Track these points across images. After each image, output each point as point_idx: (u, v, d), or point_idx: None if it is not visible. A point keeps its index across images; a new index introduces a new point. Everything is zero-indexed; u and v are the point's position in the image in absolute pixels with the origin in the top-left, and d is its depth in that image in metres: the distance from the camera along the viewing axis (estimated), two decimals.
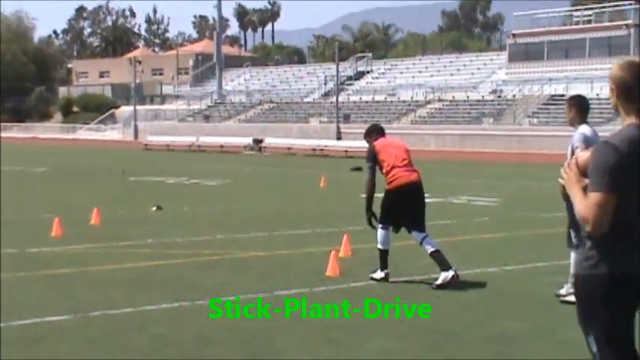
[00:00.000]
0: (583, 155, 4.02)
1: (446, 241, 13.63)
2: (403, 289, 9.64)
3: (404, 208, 9.88)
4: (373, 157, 10.05)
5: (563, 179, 4.05)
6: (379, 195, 10.14)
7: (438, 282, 9.57)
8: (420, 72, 74.94)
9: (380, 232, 10.04)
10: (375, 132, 10.42)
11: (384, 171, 10.00)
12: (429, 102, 65.75)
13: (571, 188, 3.97)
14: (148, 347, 6.96)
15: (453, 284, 9.52)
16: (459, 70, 72.42)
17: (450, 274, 9.53)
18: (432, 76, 72.14)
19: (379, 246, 10.02)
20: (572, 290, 8.51)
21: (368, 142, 10.38)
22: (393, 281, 9.96)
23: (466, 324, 7.94)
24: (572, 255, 8.83)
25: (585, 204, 3.88)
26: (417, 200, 9.93)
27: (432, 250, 9.74)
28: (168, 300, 8.76)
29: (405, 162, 10.00)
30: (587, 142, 8.31)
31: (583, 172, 3.96)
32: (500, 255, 12.31)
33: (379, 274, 9.96)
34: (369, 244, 11.52)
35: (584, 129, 8.60)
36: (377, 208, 10.19)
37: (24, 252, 11.95)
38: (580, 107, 8.85)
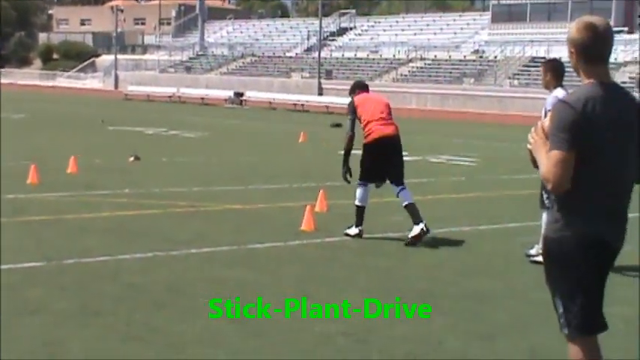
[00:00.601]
0: (548, 119, 4.03)
1: (421, 200, 13.69)
2: (376, 245, 9.71)
3: (381, 161, 9.99)
4: (353, 111, 10.21)
5: (530, 144, 4.06)
6: (357, 152, 10.18)
7: (410, 235, 9.65)
8: (402, 30, 74.59)
9: (358, 189, 10.11)
10: (357, 88, 10.55)
11: (362, 125, 10.11)
12: (411, 60, 65.56)
13: (538, 152, 3.98)
14: (119, 295, 6.99)
15: (423, 238, 9.61)
16: (441, 29, 72.14)
17: (420, 226, 9.62)
18: (414, 34, 71.83)
19: (356, 202, 10.08)
20: (541, 251, 8.64)
21: (351, 97, 10.46)
22: (367, 237, 10.02)
23: (439, 281, 8.02)
24: (544, 216, 8.92)
25: (545, 163, 3.91)
26: (393, 153, 10.06)
27: (406, 202, 9.86)
28: (142, 250, 8.78)
29: (382, 116, 10.10)
30: None
31: (548, 136, 3.97)
32: (475, 215, 12.41)
33: (354, 230, 10.03)
34: (345, 200, 11.58)
35: (559, 92, 8.63)
36: (355, 165, 10.23)
37: None
38: (555, 71, 8.88)
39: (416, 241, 9.62)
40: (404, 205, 9.89)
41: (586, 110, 3.86)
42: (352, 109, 10.23)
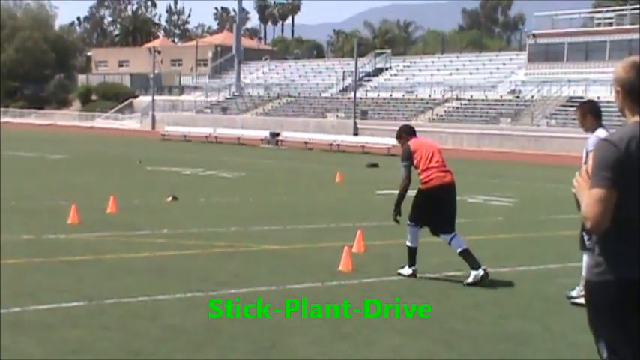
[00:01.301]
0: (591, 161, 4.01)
1: None
2: (414, 286, 9.67)
3: (435, 207, 10.08)
4: (409, 156, 10.18)
5: (574, 187, 4.04)
6: (410, 193, 10.20)
7: (469, 280, 9.71)
8: (438, 70, 74.80)
9: (410, 230, 10.18)
10: (406, 133, 10.53)
11: (419, 171, 10.14)
12: (447, 100, 65.65)
13: (581, 195, 3.96)
14: (159, 335, 7.03)
15: (483, 282, 9.65)
16: (477, 69, 72.25)
17: (480, 272, 9.68)
18: (450, 74, 71.99)
19: (408, 243, 10.17)
20: (582, 292, 8.54)
21: (400, 142, 10.49)
22: (405, 278, 10.00)
23: (477, 322, 7.97)
24: (584, 257, 8.83)
25: (586, 202, 3.88)
26: (450, 201, 10.18)
27: (461, 249, 9.88)
28: (181, 290, 8.83)
29: (439, 163, 10.17)
30: None
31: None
32: (514, 255, 12.32)
33: (407, 270, 10.12)
34: (382, 241, 11.57)
35: (600, 133, 8.56)
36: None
37: (40, 238, 12.05)
38: (592, 112, 8.83)
39: (476, 284, 9.63)
40: (458, 252, 9.91)
41: (629, 149, 3.84)
42: (408, 154, 10.19)
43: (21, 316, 7.45)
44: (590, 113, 8.85)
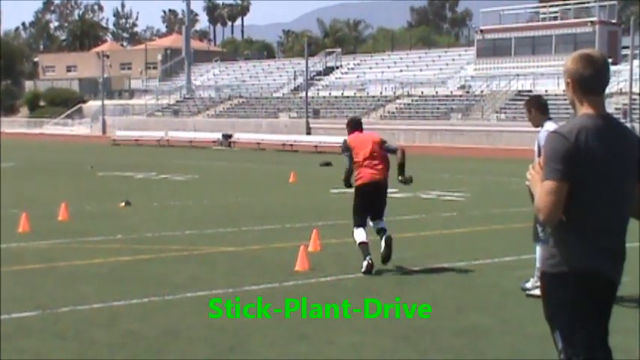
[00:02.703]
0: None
1: (414, 236, 13.75)
2: (371, 283, 9.69)
3: (367, 204, 10.61)
4: (347, 149, 10.70)
5: (528, 180, 4.07)
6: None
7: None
8: (389, 67, 75.12)
9: (356, 232, 10.43)
10: (350, 125, 11.00)
11: (354, 167, 10.64)
12: (398, 97, 65.94)
13: (535, 187, 3.99)
14: (117, 342, 6.94)
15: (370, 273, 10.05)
16: (427, 65, 72.68)
17: (365, 262, 10.09)
18: (401, 71, 72.34)
19: (358, 241, 10.36)
20: (537, 284, 8.63)
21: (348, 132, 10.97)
22: (361, 276, 10.01)
23: (435, 318, 8.00)
24: (538, 249, 8.94)
25: (538, 194, 3.91)
26: (377, 197, 10.67)
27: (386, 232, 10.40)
28: (137, 295, 8.74)
29: (368, 160, 10.55)
30: None
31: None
32: (469, 249, 12.41)
33: (364, 263, 10.16)
34: (338, 239, 11.58)
35: (550, 126, 8.61)
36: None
37: None
38: (538, 106, 8.92)
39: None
40: (382, 229, 10.43)
41: (579, 141, 3.88)
42: (345, 147, 10.72)
43: None
44: (534, 108, 8.95)
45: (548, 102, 9.47)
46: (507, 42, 64.30)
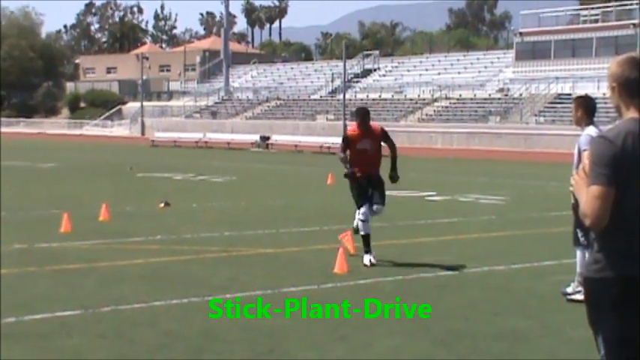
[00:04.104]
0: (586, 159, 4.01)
1: (453, 239, 13.71)
2: (409, 286, 9.68)
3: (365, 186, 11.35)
4: (344, 139, 11.50)
5: (572, 185, 4.05)
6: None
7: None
8: (427, 70, 74.90)
9: (359, 220, 11.20)
10: (356, 115, 11.48)
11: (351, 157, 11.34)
12: (435, 100, 65.74)
13: (579, 193, 3.96)
14: (157, 342, 7.01)
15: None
16: (465, 68, 72.37)
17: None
18: (439, 74, 72.10)
19: (361, 233, 11.14)
20: (578, 289, 8.57)
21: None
22: (399, 279, 10.01)
23: (474, 321, 7.98)
24: (578, 253, 8.89)
25: (584, 199, 3.89)
26: (372, 185, 11.32)
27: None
28: (177, 296, 8.82)
29: (364, 161, 11.23)
30: None
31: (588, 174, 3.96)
32: (508, 253, 12.34)
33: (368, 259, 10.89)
34: (375, 242, 11.56)
35: (591, 130, 8.50)
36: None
37: (33, 247, 12.02)
38: (587, 108, 8.77)
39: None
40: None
41: (626, 145, 3.84)
42: (344, 137, 11.52)
43: (16, 327, 7.42)
44: (582, 107, 8.78)
45: None
46: (547, 45, 63.79)
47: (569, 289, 9.01)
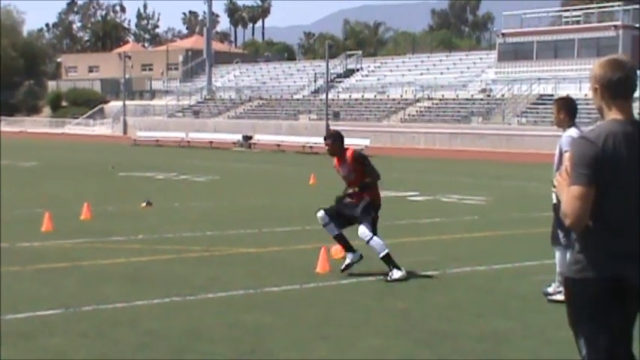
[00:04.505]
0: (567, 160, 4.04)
1: (435, 240, 13.74)
2: (392, 286, 9.70)
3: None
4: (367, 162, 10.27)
5: (555, 187, 4.07)
6: None
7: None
8: (409, 70, 75.05)
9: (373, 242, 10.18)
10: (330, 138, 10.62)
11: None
12: (418, 100, 65.87)
13: (562, 193, 3.99)
14: (139, 342, 6.99)
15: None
16: (448, 68, 72.57)
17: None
18: (421, 74, 72.24)
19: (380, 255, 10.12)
20: (559, 289, 8.62)
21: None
22: (381, 279, 10.02)
23: (456, 322, 8.00)
24: (557, 253, 8.96)
25: (565, 199, 3.91)
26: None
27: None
28: (159, 295, 8.80)
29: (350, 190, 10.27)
30: None
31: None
32: (490, 254, 12.38)
33: (398, 273, 9.96)
34: (359, 241, 11.57)
35: (573, 132, 8.52)
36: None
37: (15, 246, 11.96)
38: (569, 109, 8.78)
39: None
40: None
41: (606, 146, 3.87)
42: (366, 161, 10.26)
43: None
44: (563, 109, 8.80)
45: None
46: (529, 46, 64.05)
47: (550, 289, 9.06)
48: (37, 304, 8.27)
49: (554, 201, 8.19)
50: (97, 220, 15.09)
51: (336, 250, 11.07)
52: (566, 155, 7.99)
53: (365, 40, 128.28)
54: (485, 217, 17.52)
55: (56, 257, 11.12)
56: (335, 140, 10.40)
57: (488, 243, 13.70)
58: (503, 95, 61.46)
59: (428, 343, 7.23)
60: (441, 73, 71.19)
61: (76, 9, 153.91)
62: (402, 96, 68.05)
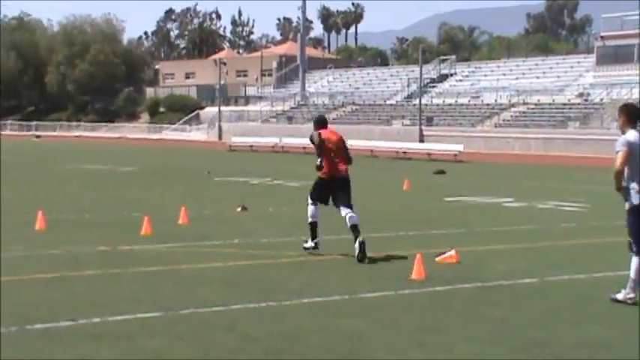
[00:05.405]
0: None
1: (532, 247, 13.53)
2: (487, 293, 9.59)
3: (328, 191, 12.47)
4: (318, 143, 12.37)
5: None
6: None
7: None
8: (504, 75, 74.08)
9: (309, 208, 12.41)
10: (317, 124, 12.82)
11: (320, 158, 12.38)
12: (513, 105, 64.94)
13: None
14: (236, 346, 7.08)
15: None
16: (544, 72, 71.33)
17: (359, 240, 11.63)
18: (516, 78, 71.23)
19: (309, 220, 12.30)
20: (629, 295, 8.87)
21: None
22: (478, 286, 9.92)
23: (554, 330, 7.86)
24: (634, 260, 8.96)
25: None
26: (341, 187, 12.43)
27: (353, 224, 11.95)
28: (255, 299, 8.89)
29: (336, 157, 12.47)
30: (629, 146, 9.02)
31: None
32: (589, 261, 12.13)
33: (310, 244, 12.20)
34: (452, 248, 11.48)
35: (630, 135, 9.07)
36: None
37: (116, 250, 12.28)
38: (628, 115, 9.26)
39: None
40: (350, 225, 11.91)
41: None
42: (317, 141, 12.42)
43: (100, 327, 7.59)
44: (622, 114, 9.29)
45: None
46: (629, 48, 62.42)
47: (620, 296, 9.09)
48: (137, 306, 8.46)
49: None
50: (194, 224, 15.36)
51: (444, 256, 11.46)
52: (618, 155, 8.84)
53: (459, 45, 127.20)
54: (584, 224, 17.16)
55: (154, 261, 11.36)
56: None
57: (588, 250, 13.41)
58: (601, 100, 60.05)
59: (524, 350, 7.13)
60: (537, 78, 70.04)
61: (173, 17, 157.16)
62: (496, 101, 67.21)
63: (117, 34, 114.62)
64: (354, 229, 11.84)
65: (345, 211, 12.14)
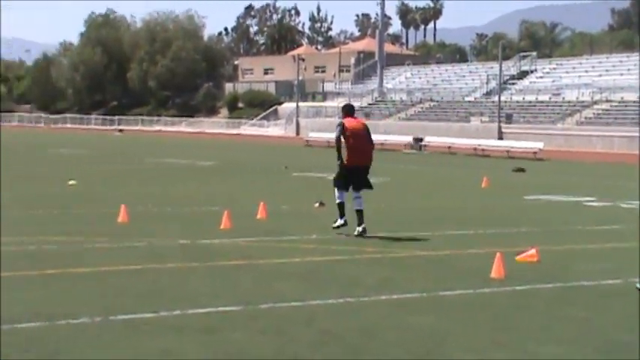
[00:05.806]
0: None
1: (615, 247, 13.24)
2: (570, 293, 9.42)
3: (351, 178, 13.77)
4: (341, 129, 13.63)
5: None
6: None
7: (335, 224, 13.76)
8: (586, 71, 72.68)
9: (336, 191, 13.75)
10: (344, 111, 14.00)
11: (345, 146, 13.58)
12: (595, 102, 63.69)
13: None
14: (316, 340, 7.10)
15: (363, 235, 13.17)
16: (629, 69, 69.72)
17: (360, 229, 13.36)
18: (599, 75, 69.81)
19: (337, 200, 13.65)
20: None
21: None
22: (560, 286, 9.75)
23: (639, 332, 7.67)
24: None
25: None
26: (361, 174, 13.83)
27: (358, 208, 13.44)
28: (333, 295, 8.90)
29: (360, 147, 13.62)
30: None
31: None
32: None
33: (340, 221, 13.58)
34: (533, 247, 11.31)
35: None
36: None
37: (195, 243, 12.43)
38: None
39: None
40: (356, 209, 13.38)
41: None
42: (341, 128, 13.67)
43: (181, 319, 7.69)
44: None
45: None
46: None
47: None
48: (218, 299, 8.54)
49: None
50: (272, 219, 15.46)
51: (524, 255, 11.27)
52: None
53: (540, 41, 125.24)
54: None
55: (234, 254, 11.46)
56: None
57: None
58: None
59: (610, 352, 6.98)
60: (621, 75, 68.53)
61: (253, 13, 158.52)
62: (577, 98, 66.02)
63: (198, 30, 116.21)
64: (360, 214, 13.36)
65: (354, 195, 13.59)
